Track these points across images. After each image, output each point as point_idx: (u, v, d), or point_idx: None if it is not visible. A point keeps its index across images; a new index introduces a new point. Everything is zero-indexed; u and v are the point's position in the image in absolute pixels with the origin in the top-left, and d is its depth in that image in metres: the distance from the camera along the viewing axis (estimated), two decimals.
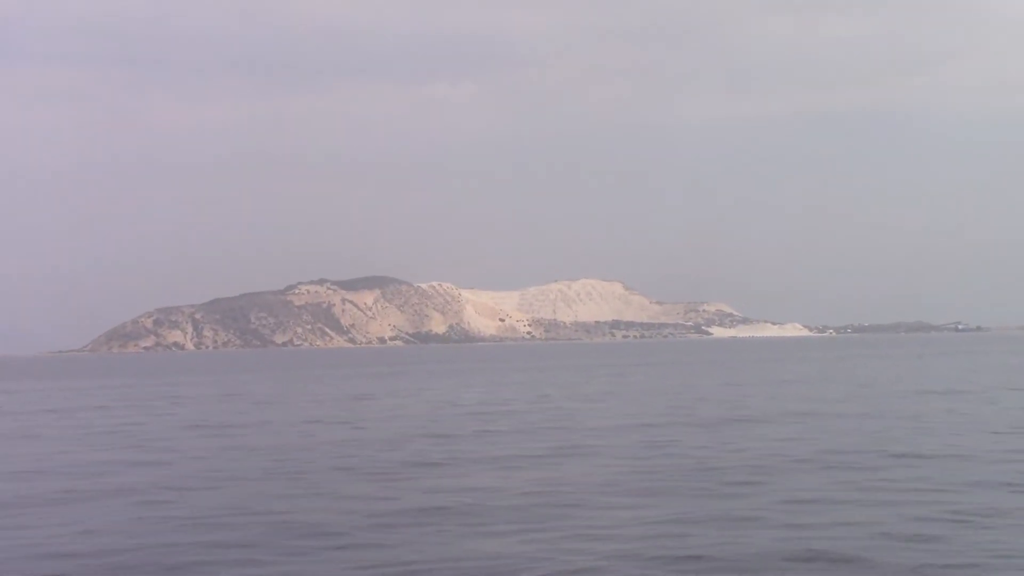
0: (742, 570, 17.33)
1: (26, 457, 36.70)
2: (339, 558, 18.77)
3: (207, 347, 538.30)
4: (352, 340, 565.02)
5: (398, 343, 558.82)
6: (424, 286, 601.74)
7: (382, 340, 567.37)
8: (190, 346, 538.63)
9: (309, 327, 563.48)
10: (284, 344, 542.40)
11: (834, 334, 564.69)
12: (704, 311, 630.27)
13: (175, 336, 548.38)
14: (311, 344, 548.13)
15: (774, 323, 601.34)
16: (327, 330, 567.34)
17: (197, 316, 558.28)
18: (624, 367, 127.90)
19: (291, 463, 32.23)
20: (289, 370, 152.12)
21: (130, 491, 26.94)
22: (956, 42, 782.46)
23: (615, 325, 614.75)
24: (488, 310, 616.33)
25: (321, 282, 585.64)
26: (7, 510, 24.61)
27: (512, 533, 20.32)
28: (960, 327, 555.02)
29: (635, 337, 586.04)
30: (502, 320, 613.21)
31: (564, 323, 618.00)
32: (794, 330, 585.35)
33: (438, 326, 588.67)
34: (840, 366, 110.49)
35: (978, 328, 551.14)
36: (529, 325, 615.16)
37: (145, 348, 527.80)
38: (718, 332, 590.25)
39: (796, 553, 18.20)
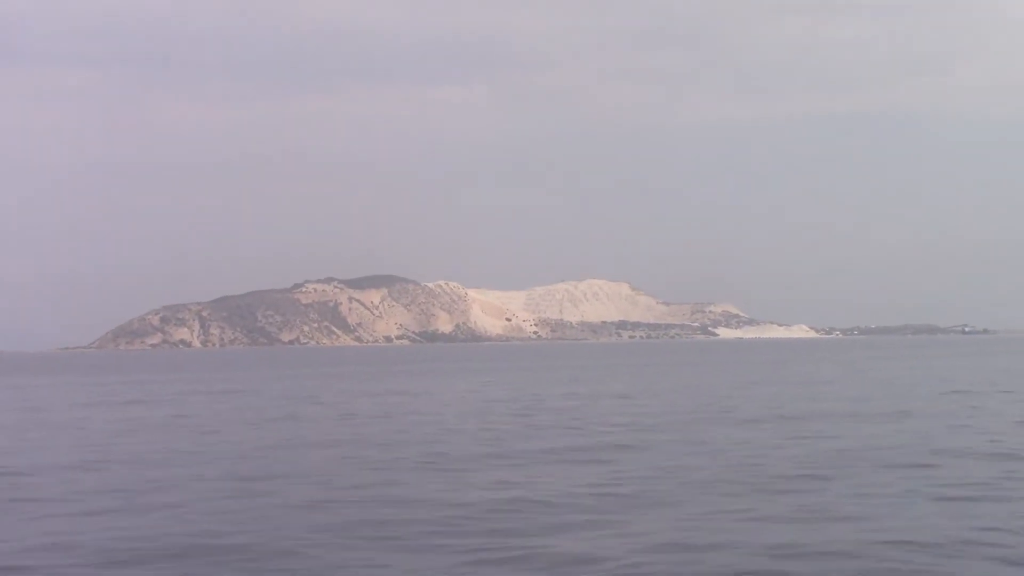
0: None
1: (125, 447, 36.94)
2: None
3: (214, 345, 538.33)
4: (359, 339, 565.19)
5: (404, 342, 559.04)
6: (431, 285, 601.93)
7: (388, 339, 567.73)
8: (197, 344, 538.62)
9: (316, 325, 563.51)
10: (291, 342, 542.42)
11: (841, 336, 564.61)
12: (711, 312, 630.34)
13: (182, 333, 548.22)
14: (317, 342, 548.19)
15: (780, 324, 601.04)
16: (334, 328, 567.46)
17: (204, 314, 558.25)
18: (642, 367, 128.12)
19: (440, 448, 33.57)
20: (306, 367, 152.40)
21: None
22: (962, 44, 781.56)
23: (621, 325, 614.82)
24: (495, 310, 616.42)
25: (328, 280, 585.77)
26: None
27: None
28: (967, 329, 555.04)
29: (641, 337, 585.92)
30: (508, 320, 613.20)
31: (571, 323, 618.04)
32: (800, 332, 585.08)
33: (445, 325, 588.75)
34: (861, 367, 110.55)
35: (985, 330, 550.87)
36: (535, 325, 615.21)
37: (152, 345, 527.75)
38: (724, 333, 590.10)
39: None
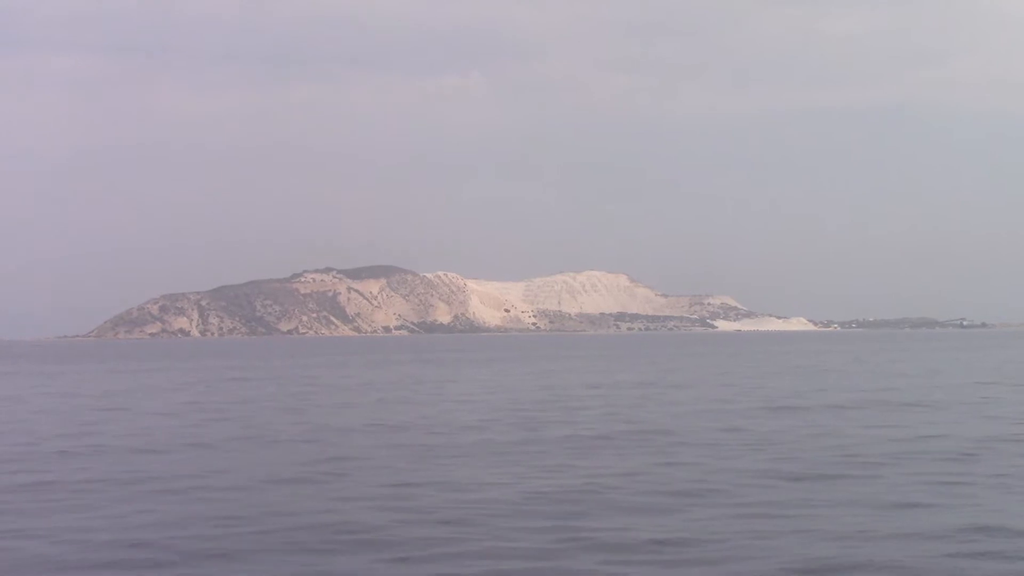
0: None
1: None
2: None
3: (212, 334, 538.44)
4: (357, 329, 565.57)
5: (403, 332, 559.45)
6: (430, 276, 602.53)
7: (387, 329, 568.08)
8: (195, 333, 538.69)
9: (314, 315, 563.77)
10: (289, 332, 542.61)
11: (839, 329, 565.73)
12: (709, 304, 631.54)
13: (181, 323, 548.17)
14: (316, 333, 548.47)
15: (779, 317, 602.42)
16: (332, 319, 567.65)
17: (203, 303, 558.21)
18: (649, 357, 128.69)
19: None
20: (322, 356, 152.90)
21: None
22: (961, 39, 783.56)
23: (620, 317, 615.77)
24: (493, 300, 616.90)
25: (327, 271, 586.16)
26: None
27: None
28: (964, 323, 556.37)
29: (640, 329, 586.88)
30: (507, 311, 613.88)
31: (569, 314, 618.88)
32: (799, 324, 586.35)
33: (443, 316, 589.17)
34: (874, 359, 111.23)
35: (983, 324, 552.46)
36: (534, 316, 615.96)
37: (151, 334, 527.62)
38: (723, 325, 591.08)
39: None
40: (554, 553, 17.34)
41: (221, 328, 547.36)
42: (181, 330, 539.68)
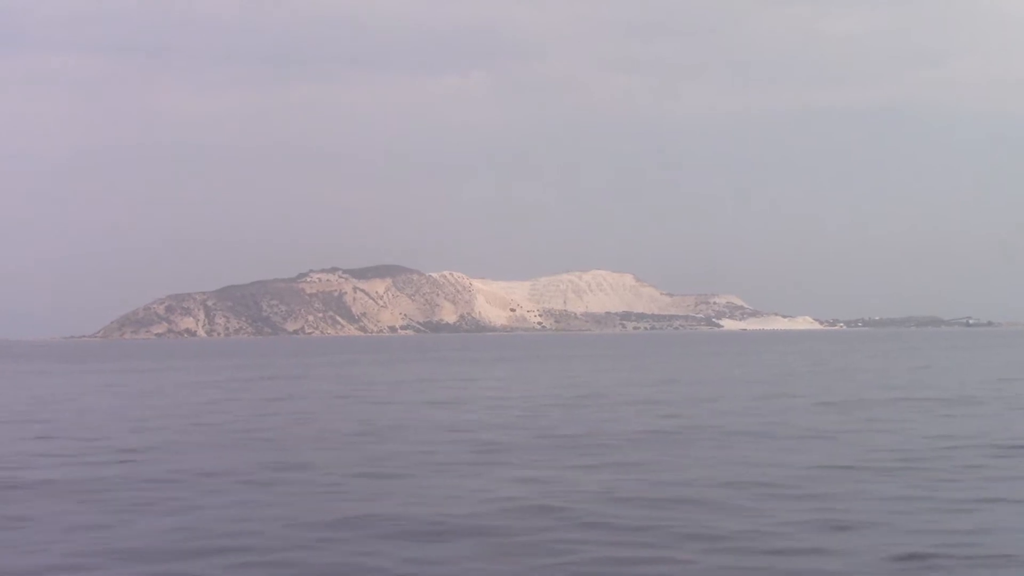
0: None
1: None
2: None
3: (219, 334, 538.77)
4: (363, 329, 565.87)
5: (409, 332, 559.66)
6: (435, 275, 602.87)
7: (393, 329, 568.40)
8: (202, 333, 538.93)
9: (320, 315, 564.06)
10: (295, 332, 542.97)
11: (844, 328, 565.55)
12: (714, 303, 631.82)
13: (187, 323, 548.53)
14: (322, 332, 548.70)
15: (784, 316, 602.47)
16: (338, 318, 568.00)
17: (209, 303, 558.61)
18: (679, 356, 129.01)
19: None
20: (339, 355, 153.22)
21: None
22: (961, 39, 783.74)
23: (626, 316, 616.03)
24: (499, 300, 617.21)
25: (333, 270, 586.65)
26: None
27: None
28: (971, 321, 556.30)
29: (645, 329, 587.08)
30: (513, 310, 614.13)
31: (575, 314, 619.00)
32: (804, 323, 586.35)
33: (449, 315, 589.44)
34: (898, 356, 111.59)
35: (988, 323, 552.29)
36: (540, 316, 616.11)
37: (157, 335, 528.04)
38: (728, 324, 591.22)
39: None
40: None
41: (227, 328, 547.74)
42: (187, 330, 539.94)
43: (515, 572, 16.07)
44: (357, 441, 32.88)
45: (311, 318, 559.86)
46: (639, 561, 16.52)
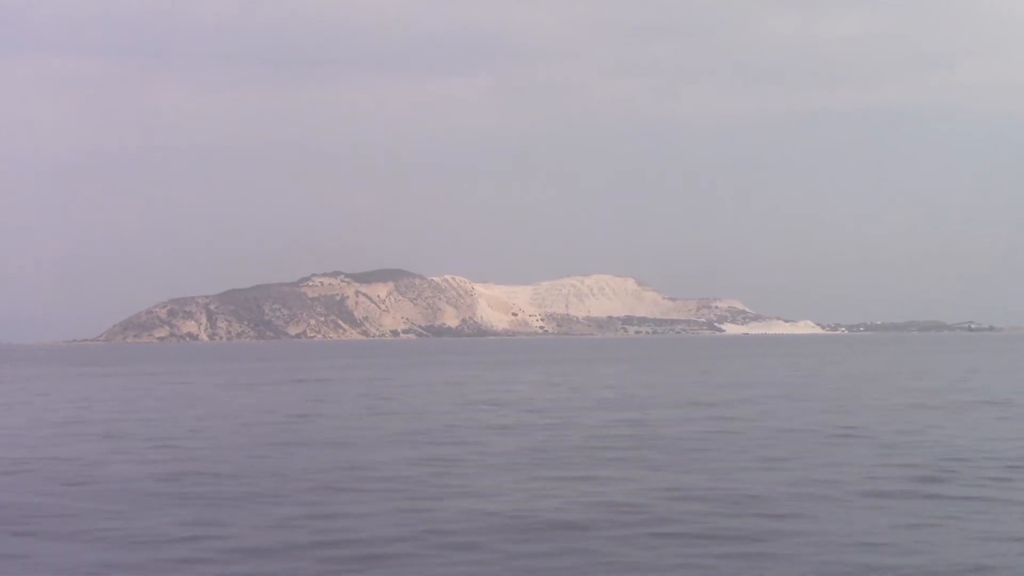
0: None
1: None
2: None
3: (221, 338, 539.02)
4: (365, 333, 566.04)
5: (411, 336, 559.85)
6: (437, 279, 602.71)
7: (395, 333, 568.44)
8: (204, 337, 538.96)
9: (322, 319, 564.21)
10: (297, 336, 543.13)
11: (845, 332, 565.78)
12: (716, 307, 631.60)
13: (189, 326, 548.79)
14: (324, 336, 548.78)
15: (786, 320, 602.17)
16: (340, 322, 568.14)
17: (211, 307, 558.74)
18: (704, 359, 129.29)
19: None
20: (354, 359, 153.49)
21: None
22: (965, 41, 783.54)
23: (627, 321, 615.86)
24: (501, 304, 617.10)
25: (335, 274, 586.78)
26: None
27: None
28: (972, 326, 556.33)
29: (647, 333, 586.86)
30: (515, 314, 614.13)
31: (577, 318, 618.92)
32: (806, 328, 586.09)
33: (451, 320, 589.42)
34: (921, 359, 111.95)
35: (991, 328, 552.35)
36: (542, 320, 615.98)
37: (159, 338, 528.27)
38: (730, 329, 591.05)
39: None
40: None
41: (229, 332, 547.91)
42: (189, 334, 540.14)
43: None
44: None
45: (313, 322, 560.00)
46: None
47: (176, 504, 22.02)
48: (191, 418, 44.45)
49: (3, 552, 18.07)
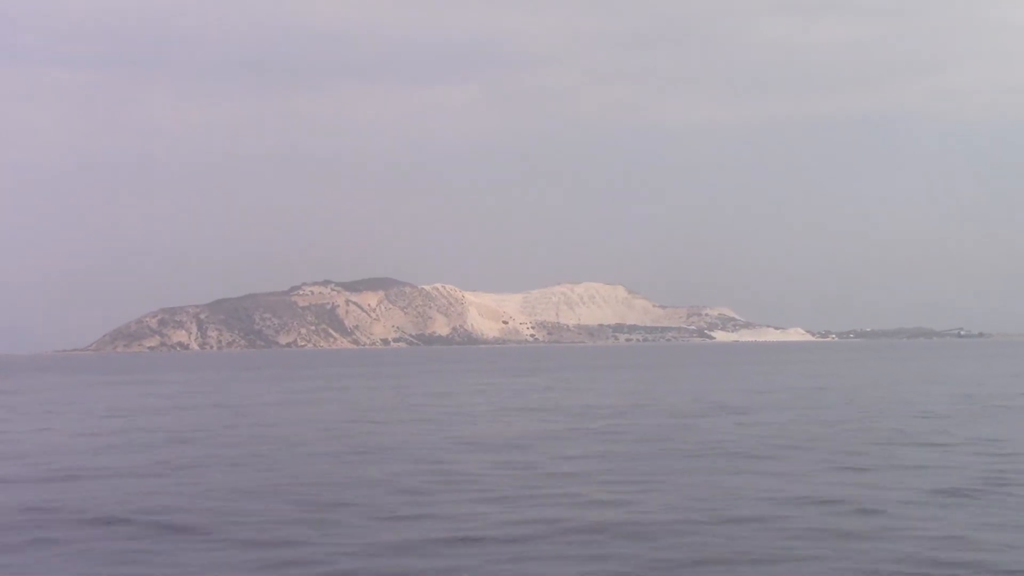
0: None
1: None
2: None
3: (211, 347, 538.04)
4: (355, 341, 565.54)
5: (401, 344, 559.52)
6: (427, 288, 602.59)
7: (385, 342, 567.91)
8: (195, 346, 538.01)
9: (313, 328, 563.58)
10: (288, 345, 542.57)
11: (836, 339, 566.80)
12: (707, 315, 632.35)
13: (180, 336, 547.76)
14: (315, 345, 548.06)
15: (776, 328, 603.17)
16: (331, 331, 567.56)
17: (202, 316, 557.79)
18: (710, 365, 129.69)
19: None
20: (357, 367, 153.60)
21: None
22: (956, 47, 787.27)
23: (618, 328, 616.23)
24: (491, 312, 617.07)
25: (325, 283, 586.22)
26: None
27: None
28: (962, 332, 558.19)
29: (638, 340, 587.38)
30: (505, 322, 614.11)
31: (567, 326, 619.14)
32: (797, 335, 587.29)
33: (441, 328, 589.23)
34: (932, 366, 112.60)
35: (980, 334, 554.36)
36: (532, 328, 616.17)
37: (150, 348, 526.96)
38: (720, 336, 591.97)
39: None
40: None
41: (220, 341, 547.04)
42: (180, 343, 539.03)
43: None
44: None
45: (304, 331, 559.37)
46: None
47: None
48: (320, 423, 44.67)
49: None
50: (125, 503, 23.64)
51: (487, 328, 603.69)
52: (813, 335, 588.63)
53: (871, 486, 24.14)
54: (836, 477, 25.80)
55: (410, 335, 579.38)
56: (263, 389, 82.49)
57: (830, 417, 43.39)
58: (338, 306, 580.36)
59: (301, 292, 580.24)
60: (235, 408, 58.01)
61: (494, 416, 47.99)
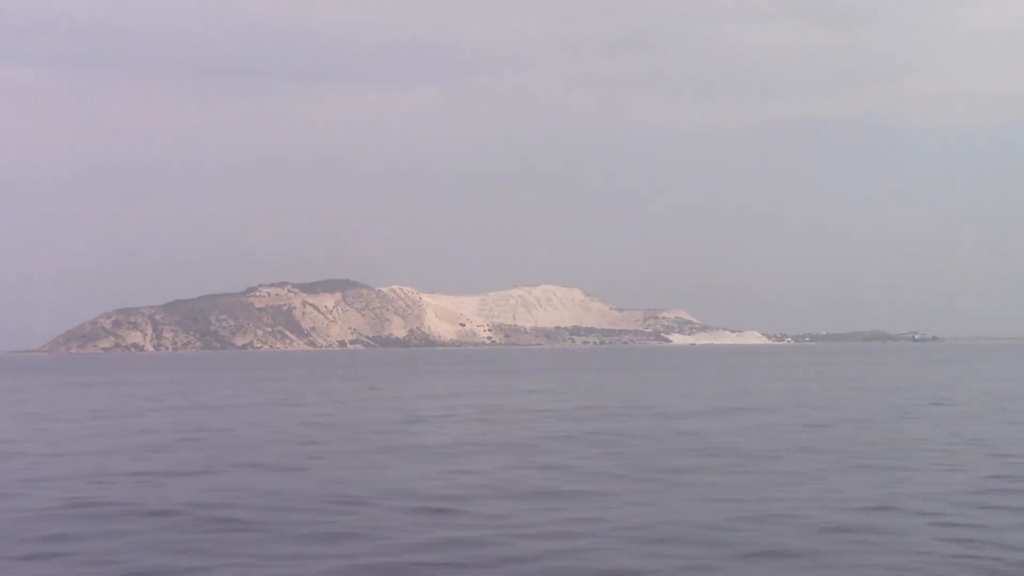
0: None
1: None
2: None
3: (167, 348, 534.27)
4: (312, 343, 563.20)
5: (358, 346, 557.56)
6: (385, 290, 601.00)
7: (342, 344, 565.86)
8: (149, 347, 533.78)
9: (269, 330, 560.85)
10: (244, 346, 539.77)
11: (791, 342, 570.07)
12: (663, 318, 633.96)
13: (134, 337, 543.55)
14: (271, 347, 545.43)
15: (733, 331, 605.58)
16: (287, 333, 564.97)
17: (157, 317, 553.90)
18: (657, 372, 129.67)
19: None
20: (327, 369, 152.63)
21: None
22: (915, 53, 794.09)
23: (575, 331, 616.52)
24: (448, 314, 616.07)
25: (282, 285, 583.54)
26: None
27: None
28: (916, 336, 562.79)
29: (595, 343, 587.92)
30: (462, 325, 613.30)
31: (524, 328, 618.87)
32: (753, 338, 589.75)
33: (399, 330, 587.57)
34: (900, 370, 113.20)
35: (934, 338, 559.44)
36: (489, 330, 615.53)
37: (104, 349, 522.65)
38: (677, 339, 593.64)
39: None
40: None
41: (175, 343, 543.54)
42: (135, 344, 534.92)
43: None
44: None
45: (260, 332, 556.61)
46: None
47: None
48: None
49: None
50: (169, 499, 23.67)
51: (444, 330, 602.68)
52: (769, 338, 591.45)
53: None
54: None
55: (367, 337, 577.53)
56: (246, 390, 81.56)
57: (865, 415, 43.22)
58: (295, 308, 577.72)
59: (258, 293, 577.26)
60: (218, 409, 57.23)
61: (535, 417, 47.50)
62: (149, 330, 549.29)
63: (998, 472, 26.42)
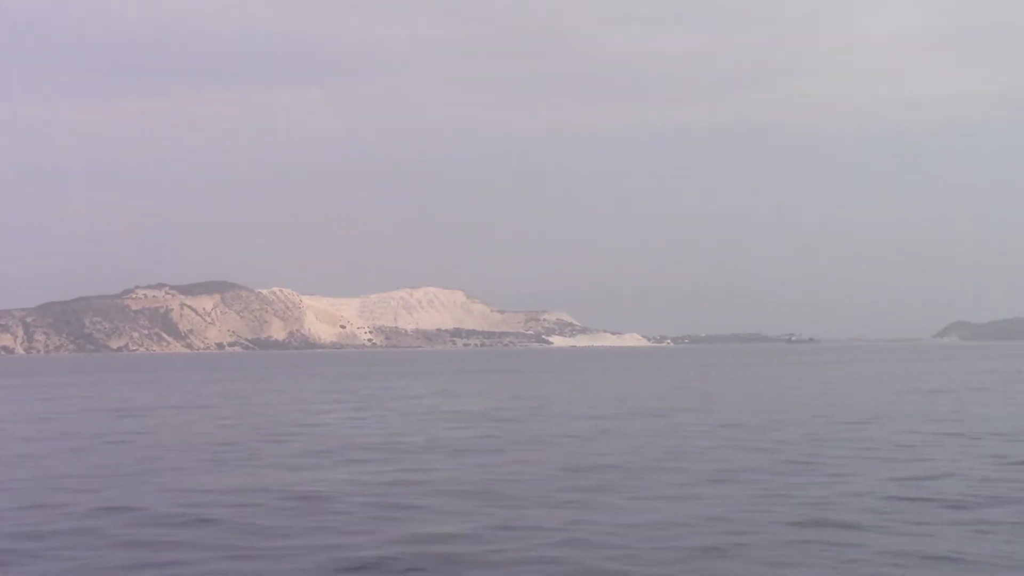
0: None
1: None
2: None
3: (38, 351, 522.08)
4: (189, 346, 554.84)
5: (237, 349, 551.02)
6: (265, 292, 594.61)
7: (220, 346, 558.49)
8: (20, 351, 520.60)
9: (146, 332, 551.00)
10: (119, 349, 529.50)
11: (671, 344, 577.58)
12: (544, 320, 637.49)
13: (4, 340, 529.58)
14: (147, 349, 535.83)
15: (613, 333, 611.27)
16: (164, 335, 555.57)
17: (28, 320, 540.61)
18: (551, 374, 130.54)
19: None
20: (215, 372, 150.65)
21: None
22: (818, 58, 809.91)
23: (456, 333, 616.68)
24: (329, 316, 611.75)
25: (159, 286, 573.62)
26: None
27: None
28: (793, 338, 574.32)
29: (476, 345, 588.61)
30: (343, 327, 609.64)
31: (405, 331, 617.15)
32: (632, 340, 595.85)
33: (278, 332, 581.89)
34: (826, 373, 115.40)
35: (811, 340, 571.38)
36: (370, 332, 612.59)
37: None
38: (558, 341, 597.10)
39: None
40: None
41: (47, 345, 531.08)
42: (5, 347, 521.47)
43: None
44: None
45: (136, 335, 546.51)
46: None
47: None
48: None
49: None
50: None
51: (324, 333, 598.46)
52: (649, 340, 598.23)
53: None
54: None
55: (246, 339, 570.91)
56: (154, 393, 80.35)
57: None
58: (172, 310, 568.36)
59: (134, 295, 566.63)
60: (132, 412, 56.42)
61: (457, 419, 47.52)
62: (20, 332, 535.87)
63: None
